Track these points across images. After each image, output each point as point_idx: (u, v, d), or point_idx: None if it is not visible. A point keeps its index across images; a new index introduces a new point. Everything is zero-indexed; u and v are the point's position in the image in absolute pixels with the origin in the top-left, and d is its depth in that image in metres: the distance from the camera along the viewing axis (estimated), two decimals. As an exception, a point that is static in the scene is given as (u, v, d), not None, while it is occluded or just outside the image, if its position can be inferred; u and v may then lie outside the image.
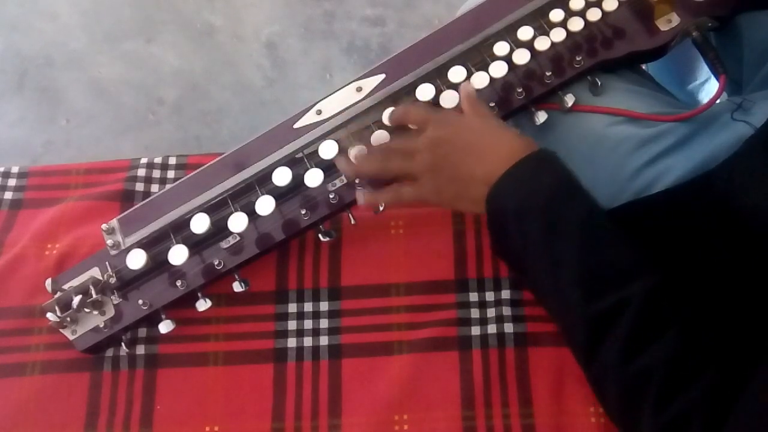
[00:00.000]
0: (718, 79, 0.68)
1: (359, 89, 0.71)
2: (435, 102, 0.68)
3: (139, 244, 0.69)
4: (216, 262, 0.69)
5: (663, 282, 0.50)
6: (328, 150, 0.68)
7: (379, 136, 0.67)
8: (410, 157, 0.62)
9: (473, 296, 0.72)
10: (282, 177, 0.67)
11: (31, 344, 0.73)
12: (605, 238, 0.53)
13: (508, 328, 0.71)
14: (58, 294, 0.67)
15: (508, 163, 0.56)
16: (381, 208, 0.70)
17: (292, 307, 0.74)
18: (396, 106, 0.66)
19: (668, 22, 0.69)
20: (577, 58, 0.69)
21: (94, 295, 0.67)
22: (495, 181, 0.56)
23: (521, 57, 0.68)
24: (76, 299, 0.66)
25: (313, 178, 0.67)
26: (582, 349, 0.51)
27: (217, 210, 0.70)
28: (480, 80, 0.68)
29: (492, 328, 0.71)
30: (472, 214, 0.70)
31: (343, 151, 0.68)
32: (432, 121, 0.62)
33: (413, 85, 0.69)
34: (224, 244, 0.69)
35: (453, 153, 0.59)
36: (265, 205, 0.66)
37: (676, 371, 0.46)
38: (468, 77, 0.68)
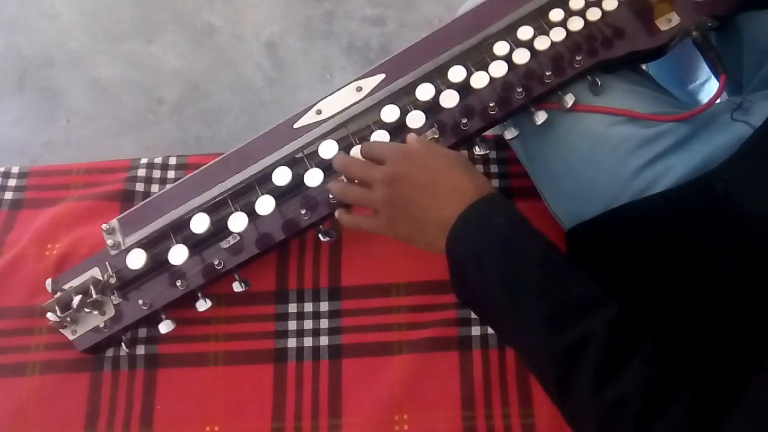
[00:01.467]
0: (718, 79, 0.68)
1: (359, 89, 0.71)
2: (435, 102, 0.68)
3: (139, 244, 0.69)
4: (216, 262, 0.69)
5: (623, 311, 0.50)
6: (328, 150, 0.68)
7: (379, 136, 0.67)
8: (368, 188, 0.62)
9: (473, 296, 0.72)
10: (282, 177, 0.67)
11: (31, 344, 0.73)
12: (562, 275, 0.53)
13: (508, 328, 0.71)
14: (58, 294, 0.67)
15: (460, 207, 0.56)
16: None
17: (292, 307, 0.74)
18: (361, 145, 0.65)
19: (668, 21, 0.69)
20: (577, 58, 0.69)
21: (94, 295, 0.67)
22: (450, 229, 0.56)
23: (521, 57, 0.68)
24: (76, 299, 0.66)
25: (313, 178, 0.67)
26: (554, 389, 0.51)
27: (217, 210, 0.70)
28: (480, 80, 0.68)
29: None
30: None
31: (342, 150, 0.68)
32: (391, 154, 0.61)
33: (413, 85, 0.69)
34: (224, 244, 0.69)
35: (407, 192, 0.59)
36: (265, 205, 0.66)
37: (650, 398, 0.45)
38: (468, 77, 0.68)
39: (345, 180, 0.66)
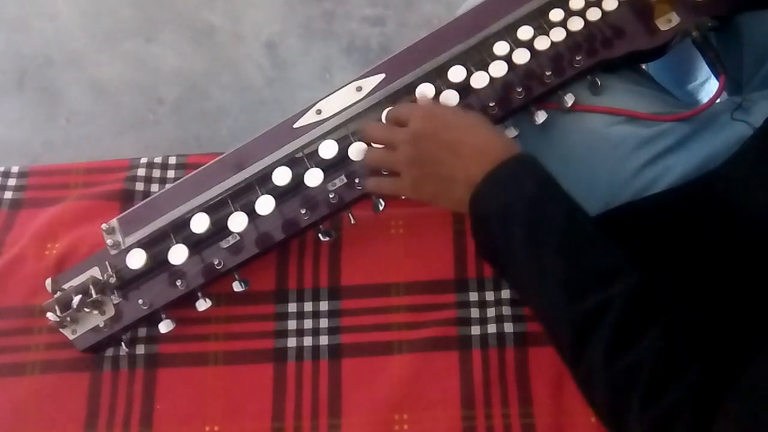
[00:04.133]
0: (718, 79, 0.68)
1: (359, 89, 0.71)
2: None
3: (139, 244, 0.69)
4: (216, 262, 0.69)
5: (644, 281, 0.50)
6: (328, 150, 0.68)
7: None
8: (392, 150, 0.61)
9: (473, 296, 0.72)
10: (282, 177, 0.67)
11: (31, 344, 0.73)
12: (586, 240, 0.54)
13: (508, 327, 0.71)
14: (58, 294, 0.67)
15: (489, 166, 0.56)
16: (381, 208, 0.70)
17: (292, 307, 0.74)
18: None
19: (668, 21, 0.69)
20: (577, 58, 0.69)
21: (94, 295, 0.67)
22: (477, 185, 0.56)
23: (521, 57, 0.68)
24: (76, 299, 0.66)
25: (313, 177, 0.67)
26: (568, 351, 0.52)
27: (217, 210, 0.70)
28: (480, 80, 0.68)
29: (492, 328, 0.71)
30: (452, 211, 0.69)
31: (343, 150, 0.68)
32: (415, 115, 0.61)
33: (413, 85, 0.69)
34: (224, 244, 0.69)
35: (434, 150, 0.59)
36: (265, 204, 0.66)
37: (662, 368, 0.46)
38: (468, 77, 0.68)
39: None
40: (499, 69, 0.68)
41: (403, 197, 0.65)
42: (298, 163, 0.69)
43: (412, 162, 0.60)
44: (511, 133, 0.72)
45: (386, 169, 0.63)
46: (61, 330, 0.69)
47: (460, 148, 0.58)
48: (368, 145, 0.66)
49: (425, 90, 0.68)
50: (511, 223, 0.54)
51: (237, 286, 0.70)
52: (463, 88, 0.69)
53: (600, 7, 0.69)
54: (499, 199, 0.55)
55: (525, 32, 0.69)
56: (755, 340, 0.46)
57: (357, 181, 0.68)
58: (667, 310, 0.49)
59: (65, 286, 0.68)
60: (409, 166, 0.60)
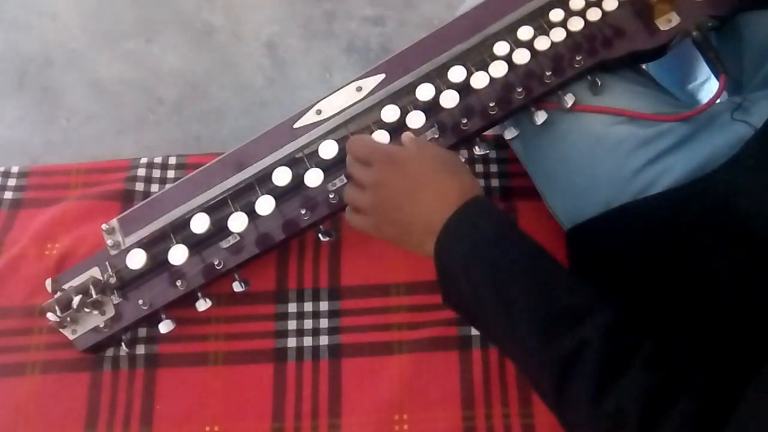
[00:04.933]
0: (718, 79, 0.68)
1: (359, 89, 0.71)
2: (435, 102, 0.68)
3: (139, 244, 0.69)
4: (216, 262, 0.69)
5: (618, 316, 0.49)
6: (328, 150, 0.67)
7: (379, 137, 0.67)
8: (360, 189, 0.62)
9: (473, 296, 0.72)
10: (282, 177, 0.67)
11: (31, 344, 0.73)
12: (553, 279, 0.53)
13: (508, 327, 0.71)
14: (58, 294, 0.67)
15: (446, 212, 0.56)
16: None
17: (292, 307, 0.74)
18: (353, 136, 0.65)
19: (668, 21, 0.69)
20: (577, 58, 0.69)
21: (94, 295, 0.67)
22: (437, 235, 0.56)
23: (521, 57, 0.68)
24: (76, 299, 0.66)
25: (313, 178, 0.67)
26: (550, 396, 0.50)
27: (217, 210, 0.70)
28: (480, 80, 0.68)
29: (492, 328, 0.71)
30: None
31: (343, 150, 0.68)
32: (376, 159, 0.61)
33: (413, 85, 0.69)
34: (224, 244, 0.69)
35: (394, 197, 0.59)
36: (265, 205, 0.66)
37: (650, 406, 0.45)
38: (468, 77, 0.68)
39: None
40: (499, 69, 0.68)
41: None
42: (298, 163, 0.69)
43: (373, 207, 0.60)
44: (511, 133, 0.72)
45: (355, 207, 0.64)
46: (61, 330, 0.69)
47: (419, 195, 0.58)
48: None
49: (425, 91, 0.68)
50: (475, 271, 0.53)
51: (237, 286, 0.70)
52: (463, 88, 0.69)
53: (600, 7, 0.69)
54: (459, 247, 0.55)
55: (525, 32, 0.69)
56: (753, 353, 0.45)
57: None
58: (646, 341, 0.48)
59: (65, 286, 0.68)
60: (371, 209, 0.61)
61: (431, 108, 0.69)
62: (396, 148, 0.62)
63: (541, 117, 0.69)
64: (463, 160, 0.71)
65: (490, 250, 0.54)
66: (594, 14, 0.69)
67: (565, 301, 0.51)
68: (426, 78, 0.70)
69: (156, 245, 0.69)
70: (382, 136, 0.67)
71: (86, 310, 0.68)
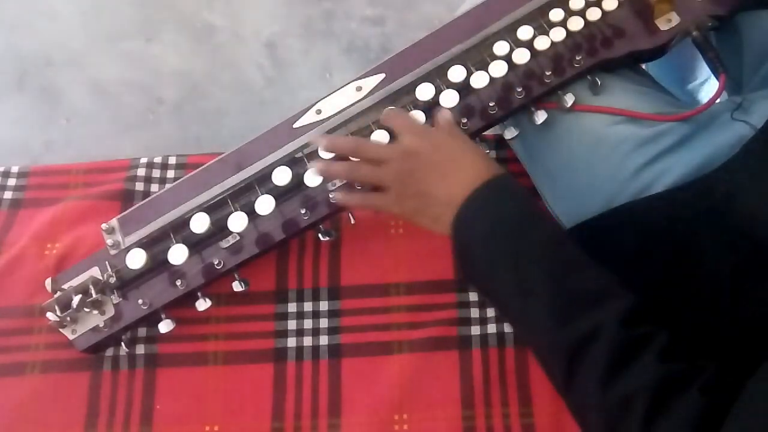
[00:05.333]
0: (718, 79, 0.68)
1: (359, 89, 0.71)
2: (435, 102, 0.68)
3: (139, 244, 0.69)
4: (216, 262, 0.69)
5: (634, 304, 0.49)
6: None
7: (379, 136, 0.67)
8: (379, 166, 0.62)
9: (473, 296, 0.72)
10: (282, 177, 0.67)
11: (31, 344, 0.73)
12: (572, 263, 0.53)
13: (508, 327, 0.71)
14: (58, 294, 0.67)
15: (470, 187, 0.56)
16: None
17: (292, 307, 0.74)
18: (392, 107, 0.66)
19: (668, 21, 0.69)
20: (577, 58, 0.68)
21: (94, 295, 0.67)
22: (458, 208, 0.56)
23: (521, 56, 0.68)
24: (76, 299, 0.66)
25: (313, 177, 0.67)
26: (559, 377, 0.50)
27: (217, 210, 0.70)
28: (480, 80, 0.68)
29: (492, 328, 0.71)
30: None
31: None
32: (409, 130, 0.62)
33: (413, 85, 0.69)
34: (224, 244, 0.69)
35: (420, 168, 0.60)
36: (265, 204, 0.66)
37: (660, 396, 0.45)
38: (468, 77, 0.68)
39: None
40: (499, 69, 0.68)
41: (383, 212, 0.65)
42: (298, 163, 0.69)
43: (400, 176, 0.61)
44: (511, 133, 0.72)
45: (371, 183, 0.63)
46: (61, 330, 0.69)
47: (447, 168, 0.59)
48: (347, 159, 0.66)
49: (425, 91, 0.68)
50: (495, 247, 0.54)
51: (237, 286, 0.70)
52: (463, 88, 0.69)
53: (600, 7, 0.69)
54: (481, 222, 0.55)
55: (525, 32, 0.69)
56: (753, 351, 0.45)
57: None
58: (659, 334, 0.48)
59: (65, 286, 0.68)
60: (397, 180, 0.61)
61: (431, 108, 0.69)
62: (426, 126, 0.63)
63: (541, 117, 0.69)
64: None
65: (511, 230, 0.54)
66: (594, 14, 0.69)
67: (585, 285, 0.51)
68: (426, 78, 0.70)
69: (156, 245, 0.69)
70: (381, 137, 0.67)
71: (86, 309, 0.68)
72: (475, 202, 0.56)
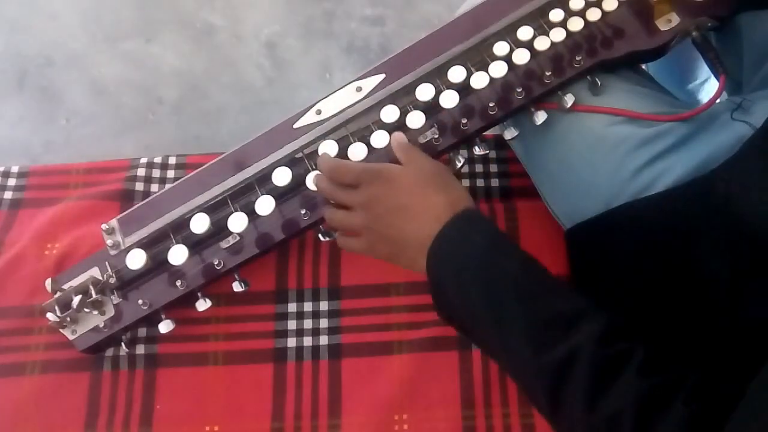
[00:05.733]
0: (718, 79, 0.68)
1: (359, 89, 0.71)
2: (435, 102, 0.68)
3: (139, 244, 0.69)
4: (216, 262, 0.69)
5: (610, 323, 0.49)
6: (328, 150, 0.67)
7: (379, 136, 0.67)
8: (350, 212, 0.62)
9: (473, 296, 0.72)
10: (282, 177, 0.67)
11: (31, 344, 0.73)
12: (544, 288, 0.53)
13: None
14: (58, 294, 0.67)
15: (436, 226, 0.56)
16: None
17: (292, 307, 0.74)
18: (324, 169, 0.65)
19: (668, 21, 0.69)
20: (577, 58, 0.68)
21: (94, 295, 0.67)
22: (429, 248, 0.56)
23: (521, 57, 0.68)
24: (76, 299, 0.66)
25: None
26: (544, 405, 0.50)
27: (217, 210, 0.70)
28: (480, 80, 0.68)
29: (492, 328, 0.71)
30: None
31: (343, 150, 0.68)
32: (363, 180, 0.61)
33: (413, 85, 0.69)
34: (224, 244, 0.69)
35: (385, 214, 0.59)
36: (265, 205, 0.66)
37: (645, 411, 0.45)
38: (468, 77, 0.68)
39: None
40: (499, 69, 0.68)
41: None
42: (298, 163, 0.69)
43: (366, 226, 0.61)
44: (511, 133, 0.72)
45: (347, 230, 0.64)
46: (61, 330, 0.69)
47: (410, 211, 0.58)
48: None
49: (424, 91, 0.68)
50: (466, 283, 0.54)
51: (237, 286, 0.70)
52: (463, 88, 0.69)
53: (600, 7, 0.69)
54: (451, 259, 0.55)
55: (525, 32, 0.69)
56: (752, 354, 0.45)
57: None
58: (639, 347, 0.48)
59: (65, 286, 0.68)
60: (365, 228, 0.61)
61: (431, 108, 0.69)
62: (380, 165, 0.62)
63: (541, 117, 0.69)
64: (463, 160, 0.71)
65: (481, 262, 0.54)
66: (594, 14, 0.69)
67: (557, 309, 0.51)
68: (426, 78, 0.70)
69: (156, 245, 0.69)
70: (381, 137, 0.67)
71: (86, 310, 0.68)
72: (442, 243, 0.56)
